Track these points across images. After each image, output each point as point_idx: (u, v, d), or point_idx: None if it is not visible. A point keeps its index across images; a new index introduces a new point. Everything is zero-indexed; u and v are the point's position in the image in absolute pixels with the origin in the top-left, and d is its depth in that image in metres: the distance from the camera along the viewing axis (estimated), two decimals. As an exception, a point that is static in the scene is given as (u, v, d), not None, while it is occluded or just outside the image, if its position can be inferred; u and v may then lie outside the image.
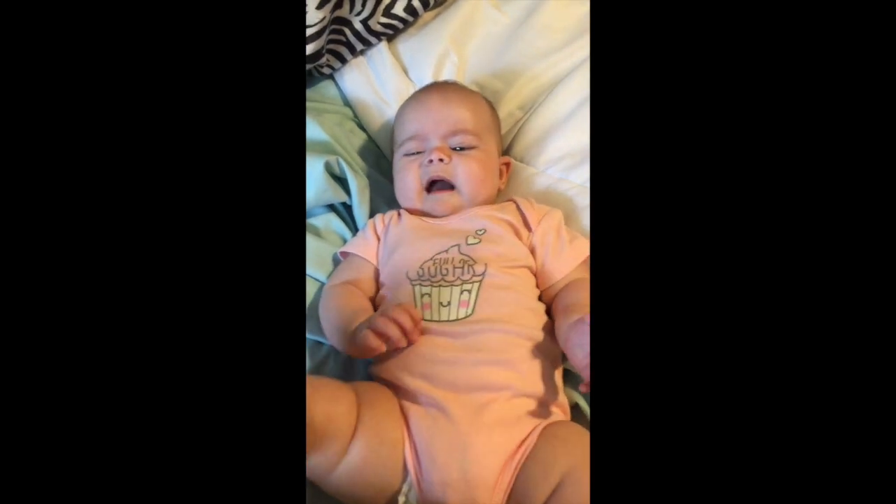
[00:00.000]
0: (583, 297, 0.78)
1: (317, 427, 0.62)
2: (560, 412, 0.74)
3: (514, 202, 0.87)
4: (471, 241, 0.81)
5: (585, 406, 0.77)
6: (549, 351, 0.77)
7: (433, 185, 0.86)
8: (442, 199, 0.85)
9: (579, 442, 0.67)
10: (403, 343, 0.69)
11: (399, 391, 0.72)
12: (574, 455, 0.64)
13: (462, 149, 0.86)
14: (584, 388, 0.62)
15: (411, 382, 0.71)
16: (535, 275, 0.82)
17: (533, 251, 0.82)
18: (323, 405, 0.63)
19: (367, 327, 0.70)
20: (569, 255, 0.81)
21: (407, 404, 0.70)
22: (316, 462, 0.64)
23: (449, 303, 0.74)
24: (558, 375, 0.77)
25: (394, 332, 0.68)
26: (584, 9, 1.00)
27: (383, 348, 0.69)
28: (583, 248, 0.82)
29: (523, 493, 0.65)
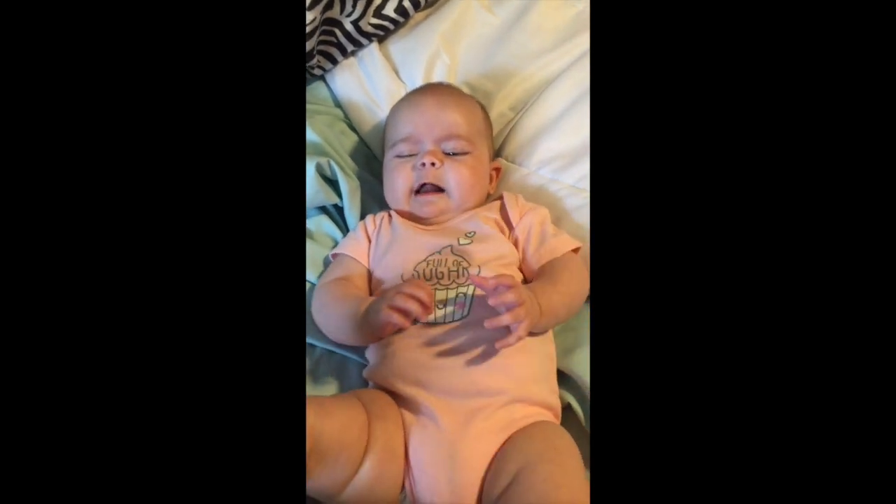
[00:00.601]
0: (549, 267, 0.79)
1: (328, 454, 0.61)
2: (551, 415, 0.74)
3: (501, 199, 0.88)
4: (462, 241, 0.81)
5: (578, 407, 0.77)
6: (544, 352, 0.77)
7: (422, 187, 0.86)
8: (430, 201, 0.85)
9: (542, 438, 0.67)
10: (424, 317, 0.69)
11: (394, 398, 0.72)
12: (530, 451, 0.65)
13: (454, 154, 0.86)
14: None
15: (405, 389, 0.71)
16: (521, 270, 0.82)
17: (517, 245, 0.83)
18: (335, 433, 0.62)
19: (386, 305, 0.70)
20: (551, 245, 0.81)
21: (403, 412, 0.70)
22: (326, 482, 0.63)
23: (445, 304, 0.74)
24: (552, 376, 0.77)
25: (414, 306, 0.69)
26: (574, 10, 1.00)
27: (407, 324, 0.70)
28: (567, 242, 0.82)
29: (486, 492, 0.65)
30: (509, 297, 0.66)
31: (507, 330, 0.67)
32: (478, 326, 0.72)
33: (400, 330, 0.73)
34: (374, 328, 0.73)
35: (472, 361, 0.71)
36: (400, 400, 0.71)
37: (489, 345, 0.71)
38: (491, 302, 0.66)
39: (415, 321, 0.71)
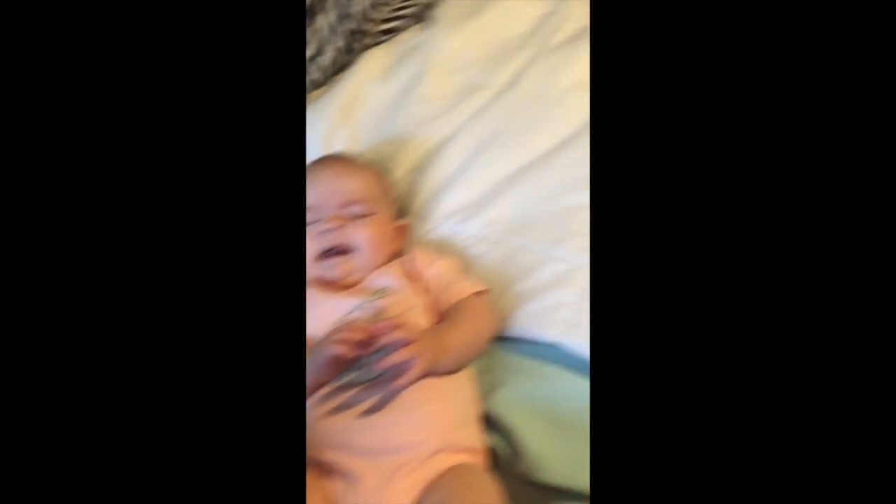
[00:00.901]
0: (453, 309, 0.82)
1: None
2: (476, 460, 0.76)
3: (408, 254, 0.91)
4: (373, 298, 0.83)
5: (501, 448, 0.80)
6: (463, 396, 0.80)
7: (328, 252, 0.88)
8: (337, 263, 0.87)
9: (457, 479, 0.69)
10: (369, 348, 0.71)
11: (318, 466, 0.72)
12: (444, 493, 0.67)
13: (357, 216, 0.89)
14: None
15: (328, 455, 0.72)
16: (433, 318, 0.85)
17: (425, 295, 0.86)
18: None
19: (330, 340, 0.71)
20: (456, 289, 0.85)
21: (327, 480, 0.71)
22: None
23: (360, 364, 0.76)
24: (475, 420, 0.79)
25: (358, 334, 0.71)
26: (459, 79, 1.08)
27: (353, 353, 0.71)
28: (471, 286, 0.86)
29: None
30: (397, 335, 0.69)
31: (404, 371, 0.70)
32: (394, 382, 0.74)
33: (318, 389, 0.74)
34: (318, 371, 0.73)
35: (391, 417, 0.72)
36: (324, 468, 0.72)
37: (409, 397, 0.73)
38: (381, 343, 0.69)
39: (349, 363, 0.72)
